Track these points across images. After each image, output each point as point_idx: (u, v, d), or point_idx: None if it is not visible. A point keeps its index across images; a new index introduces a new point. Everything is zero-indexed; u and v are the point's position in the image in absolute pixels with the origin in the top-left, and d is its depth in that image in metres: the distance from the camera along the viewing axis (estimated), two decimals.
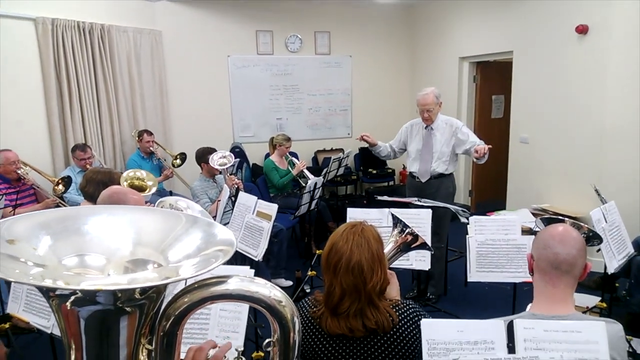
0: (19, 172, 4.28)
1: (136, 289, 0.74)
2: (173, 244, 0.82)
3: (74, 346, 0.77)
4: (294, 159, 5.74)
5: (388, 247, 2.15)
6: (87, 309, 0.72)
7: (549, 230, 1.70)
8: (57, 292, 0.72)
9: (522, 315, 1.63)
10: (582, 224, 2.91)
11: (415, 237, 2.18)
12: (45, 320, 2.38)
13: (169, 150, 6.04)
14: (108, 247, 0.81)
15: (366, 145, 4.39)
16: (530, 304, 1.69)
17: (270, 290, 0.85)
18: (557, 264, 1.59)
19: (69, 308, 0.72)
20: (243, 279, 0.84)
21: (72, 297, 0.71)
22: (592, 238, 2.81)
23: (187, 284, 0.83)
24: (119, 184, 3.01)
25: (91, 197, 2.87)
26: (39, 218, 0.83)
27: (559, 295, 1.59)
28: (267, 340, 0.94)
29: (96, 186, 2.92)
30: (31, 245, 0.75)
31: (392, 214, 2.31)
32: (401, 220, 2.20)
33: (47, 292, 0.74)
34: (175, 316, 0.82)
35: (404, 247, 2.20)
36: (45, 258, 0.74)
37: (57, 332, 2.33)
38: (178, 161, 5.89)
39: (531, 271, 1.72)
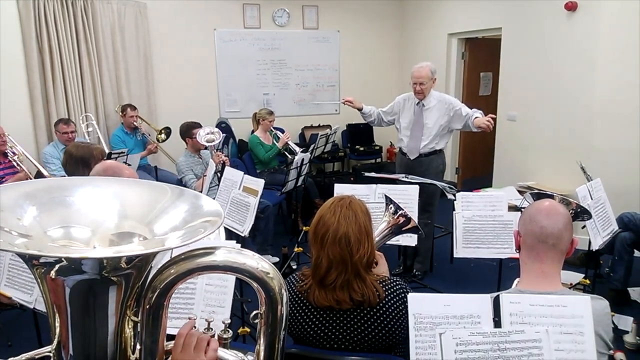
0: (6, 148, 4.17)
1: (122, 258, 0.72)
2: (159, 217, 0.81)
3: (58, 319, 0.76)
4: (278, 132, 5.69)
5: (380, 227, 2.15)
6: (73, 278, 0.71)
7: (536, 205, 1.70)
8: (42, 260, 0.71)
9: (509, 291, 1.64)
10: (571, 199, 2.93)
11: (408, 219, 2.19)
12: (28, 295, 2.33)
13: (153, 125, 5.95)
14: (94, 219, 0.80)
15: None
16: (517, 280, 1.70)
17: (257, 262, 0.85)
18: (544, 238, 1.59)
19: (53, 277, 0.71)
20: (230, 251, 0.83)
21: (57, 266, 0.69)
22: (581, 213, 2.84)
23: (174, 256, 0.81)
24: (100, 159, 2.96)
25: (71, 175, 2.83)
26: (24, 188, 0.82)
27: (546, 271, 1.60)
28: (254, 312, 0.93)
29: (75, 165, 2.88)
30: (16, 215, 0.74)
31: (385, 195, 2.30)
32: (394, 202, 2.20)
33: (30, 261, 0.72)
34: (162, 288, 0.81)
35: (396, 229, 2.20)
36: (30, 229, 0.73)
37: (40, 307, 2.31)
38: (163, 136, 5.79)
39: (518, 248, 1.72)
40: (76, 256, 0.72)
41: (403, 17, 7.66)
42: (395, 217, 2.18)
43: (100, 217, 0.80)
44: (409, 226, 2.20)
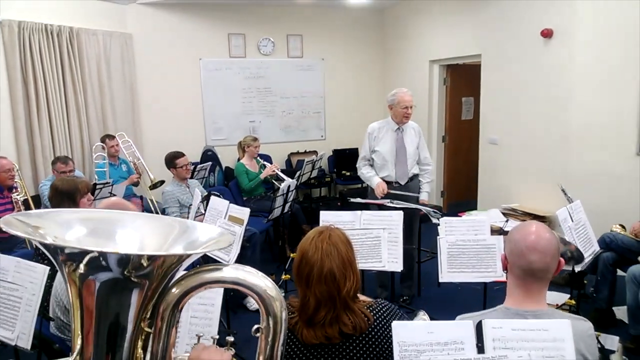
0: (13, 182, 4.10)
1: (143, 256, 0.82)
2: (173, 246, 0.95)
3: (80, 324, 0.85)
4: (266, 163, 5.71)
5: None
6: (100, 276, 0.81)
7: (523, 238, 1.63)
8: (67, 252, 0.80)
9: (497, 308, 1.66)
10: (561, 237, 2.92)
11: None
12: (9, 332, 2.26)
13: (151, 175, 5.50)
14: (122, 246, 0.93)
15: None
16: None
17: (261, 280, 0.94)
18: (532, 272, 1.59)
19: (83, 272, 0.80)
20: (237, 268, 0.94)
21: (85, 259, 0.79)
22: (571, 259, 2.86)
23: (186, 272, 0.94)
24: (85, 192, 2.95)
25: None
26: (83, 215, 0.98)
27: (532, 296, 1.62)
28: (255, 327, 1.00)
29: (60, 199, 2.87)
30: (63, 232, 0.87)
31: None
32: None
33: (57, 255, 0.81)
34: (174, 302, 0.91)
35: None
36: (67, 241, 0.85)
37: (21, 344, 2.26)
38: (154, 184, 5.55)
39: (505, 269, 1.72)
40: (98, 250, 0.81)
41: (385, 45, 7.80)
42: None
43: (128, 246, 0.92)
44: None
